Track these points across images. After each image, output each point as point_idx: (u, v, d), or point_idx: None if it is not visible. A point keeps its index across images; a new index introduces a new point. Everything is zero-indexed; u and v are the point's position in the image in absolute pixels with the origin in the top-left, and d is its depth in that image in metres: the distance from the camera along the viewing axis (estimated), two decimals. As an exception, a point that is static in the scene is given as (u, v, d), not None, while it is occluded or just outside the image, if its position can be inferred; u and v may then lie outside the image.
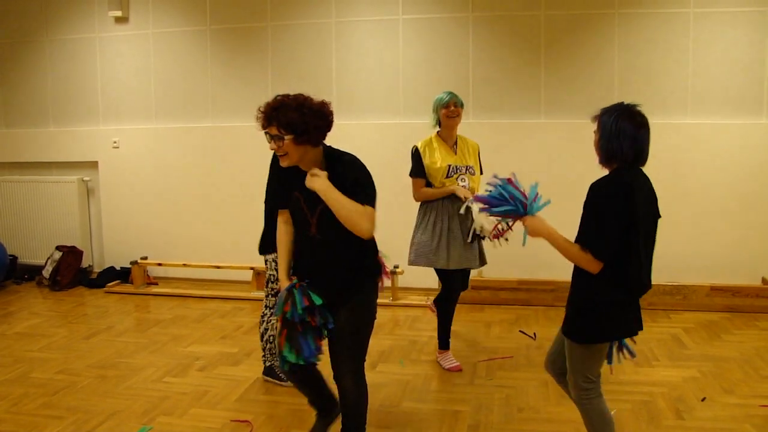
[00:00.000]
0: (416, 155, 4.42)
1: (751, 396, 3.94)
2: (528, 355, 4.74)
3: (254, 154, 6.73)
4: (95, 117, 7.20)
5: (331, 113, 2.84)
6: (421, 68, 6.36)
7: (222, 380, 4.32)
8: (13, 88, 7.42)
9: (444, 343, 4.61)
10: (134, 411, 3.84)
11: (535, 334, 5.19)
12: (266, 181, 3.68)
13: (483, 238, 4.39)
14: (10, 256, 7.08)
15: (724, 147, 5.80)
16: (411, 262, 4.47)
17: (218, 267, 6.72)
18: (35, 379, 4.35)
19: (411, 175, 4.45)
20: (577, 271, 2.76)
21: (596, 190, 2.66)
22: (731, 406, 3.80)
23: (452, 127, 4.45)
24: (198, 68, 6.89)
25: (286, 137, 2.71)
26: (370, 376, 4.25)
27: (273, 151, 2.88)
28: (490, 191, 2.88)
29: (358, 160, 2.92)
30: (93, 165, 7.22)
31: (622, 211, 2.58)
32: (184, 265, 6.81)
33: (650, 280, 2.75)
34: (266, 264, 4.12)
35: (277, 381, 4.22)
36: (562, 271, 5.87)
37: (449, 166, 4.36)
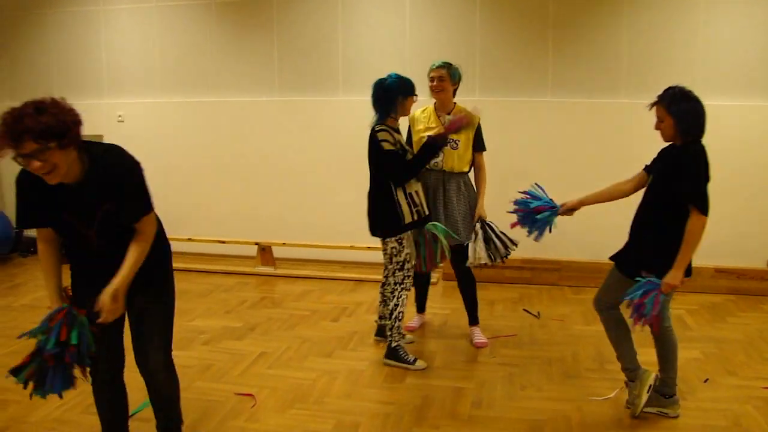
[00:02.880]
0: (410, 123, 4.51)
1: (753, 378, 3.94)
2: (531, 334, 4.75)
3: (258, 128, 6.76)
4: (99, 91, 7.16)
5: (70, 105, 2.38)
6: (428, 44, 6.30)
7: (226, 354, 4.34)
8: (17, 61, 7.38)
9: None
10: (137, 384, 3.84)
11: (539, 312, 5.19)
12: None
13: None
14: (16, 229, 7.08)
15: (732, 129, 5.75)
16: None
17: (223, 242, 6.72)
18: (40, 350, 4.36)
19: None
20: (651, 218, 3.26)
21: (687, 158, 3.11)
22: (733, 387, 3.80)
23: (439, 99, 4.41)
24: (202, 42, 6.84)
25: (50, 145, 2.22)
26: (371, 352, 4.32)
27: (21, 172, 2.43)
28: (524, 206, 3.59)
29: (122, 153, 2.64)
30: (97, 139, 7.14)
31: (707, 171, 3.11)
32: (189, 239, 6.81)
33: None
34: (384, 243, 4.12)
35: (401, 364, 4.13)
36: (565, 250, 5.94)
37: (428, 137, 4.12)
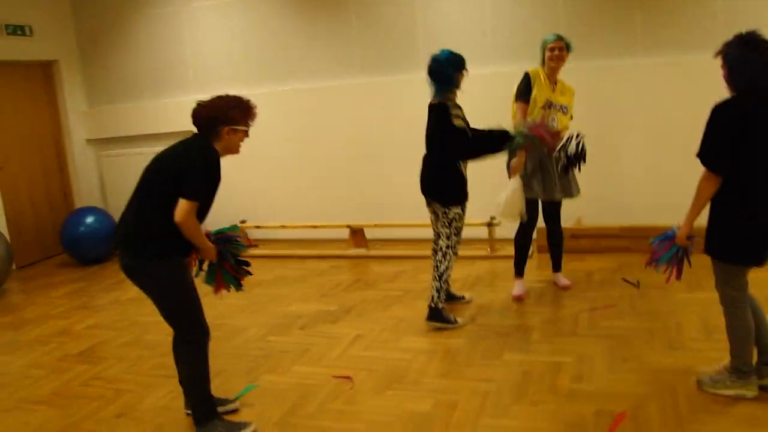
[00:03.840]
0: (526, 78, 4.61)
1: None
2: (632, 304, 4.58)
3: (341, 112, 6.78)
4: (185, 87, 7.37)
5: None
6: (509, 15, 6.15)
7: (322, 338, 4.40)
8: (109, 65, 7.70)
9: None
10: (239, 369, 3.97)
11: (638, 281, 5.00)
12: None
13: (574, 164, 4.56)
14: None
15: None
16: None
17: (315, 227, 6.81)
18: (148, 341, 4.57)
19: (516, 99, 4.64)
20: None
21: (710, 113, 2.96)
22: None
23: (554, 68, 4.62)
24: (282, 30, 6.92)
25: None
26: (471, 330, 4.28)
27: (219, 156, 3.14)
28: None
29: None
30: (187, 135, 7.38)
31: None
32: (282, 226, 6.94)
33: None
34: (447, 209, 4.35)
35: (444, 324, 4.37)
36: (658, 216, 5.69)
37: (547, 99, 4.56)
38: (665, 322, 4.21)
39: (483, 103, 4.89)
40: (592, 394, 3.35)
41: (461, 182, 4.35)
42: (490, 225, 6.01)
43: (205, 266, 3.34)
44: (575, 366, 3.68)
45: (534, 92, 4.55)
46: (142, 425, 3.42)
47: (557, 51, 4.57)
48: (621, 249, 5.82)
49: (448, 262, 4.38)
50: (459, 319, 4.43)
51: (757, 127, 2.89)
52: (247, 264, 3.42)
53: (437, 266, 4.37)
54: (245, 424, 3.20)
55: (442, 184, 4.35)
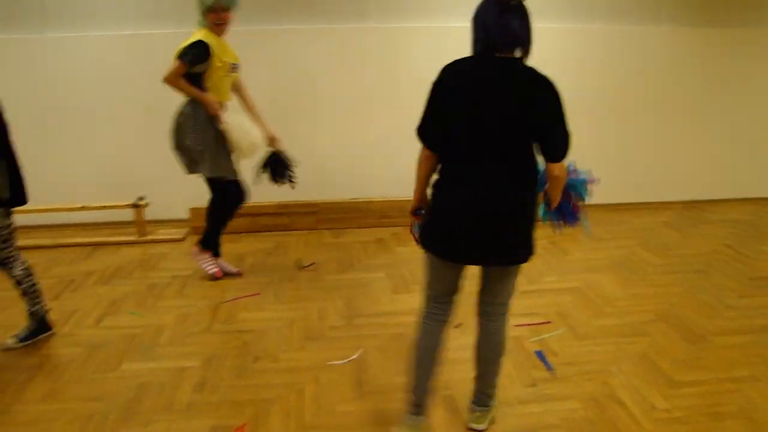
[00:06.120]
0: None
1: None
2: (277, 291, 4.29)
3: None
4: None
5: None
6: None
7: None
8: None
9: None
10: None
11: (314, 264, 4.76)
12: None
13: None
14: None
15: None
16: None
17: None
18: None
19: None
20: None
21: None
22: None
23: None
24: None
25: None
26: (91, 335, 3.60)
27: None
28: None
29: None
30: None
31: None
32: None
33: None
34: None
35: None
36: (319, 191, 5.53)
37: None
38: (307, 309, 3.97)
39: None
40: (213, 405, 2.95)
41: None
42: (136, 206, 5.35)
43: None
44: (200, 372, 3.26)
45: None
46: None
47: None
48: (281, 227, 5.56)
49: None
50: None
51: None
52: None
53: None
54: None
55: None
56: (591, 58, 5.79)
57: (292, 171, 4.42)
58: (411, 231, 2.78)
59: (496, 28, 2.21)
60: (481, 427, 2.73)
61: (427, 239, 2.48)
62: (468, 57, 2.31)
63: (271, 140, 4.37)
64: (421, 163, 2.49)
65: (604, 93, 5.88)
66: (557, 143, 2.30)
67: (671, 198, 6.33)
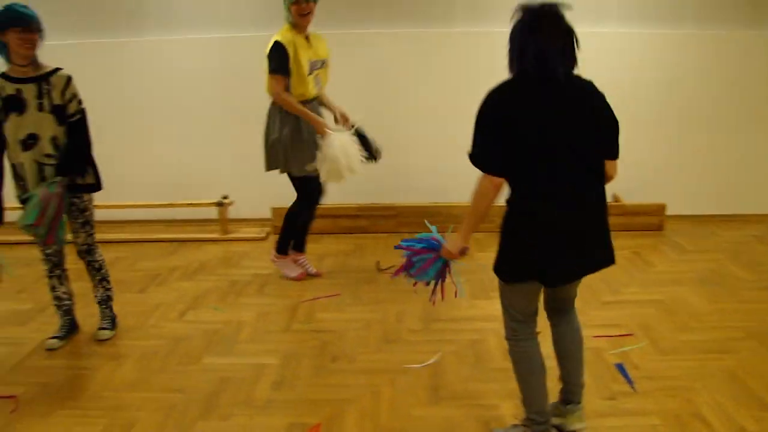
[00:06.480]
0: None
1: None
2: (356, 292, 4.30)
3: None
4: None
5: None
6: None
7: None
8: None
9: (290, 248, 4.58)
10: None
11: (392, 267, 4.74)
12: None
13: None
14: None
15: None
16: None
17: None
18: None
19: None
20: None
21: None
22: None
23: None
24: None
25: None
26: (174, 328, 3.70)
27: None
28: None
29: None
30: None
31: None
32: None
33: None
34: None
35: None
36: (400, 194, 5.53)
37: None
38: (385, 312, 3.96)
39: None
40: (290, 403, 2.98)
41: None
42: (220, 204, 5.48)
43: None
44: (278, 369, 3.29)
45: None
46: None
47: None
48: (359, 229, 5.57)
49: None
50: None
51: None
52: None
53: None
54: None
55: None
56: (684, 65, 5.59)
57: (375, 146, 4.32)
58: (417, 276, 2.68)
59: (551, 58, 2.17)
60: (583, 425, 2.67)
61: (522, 270, 2.36)
62: (518, 79, 2.26)
63: (343, 118, 4.34)
64: (487, 193, 2.28)
65: (699, 102, 5.66)
66: (617, 141, 2.41)
67: (763, 210, 6.01)
